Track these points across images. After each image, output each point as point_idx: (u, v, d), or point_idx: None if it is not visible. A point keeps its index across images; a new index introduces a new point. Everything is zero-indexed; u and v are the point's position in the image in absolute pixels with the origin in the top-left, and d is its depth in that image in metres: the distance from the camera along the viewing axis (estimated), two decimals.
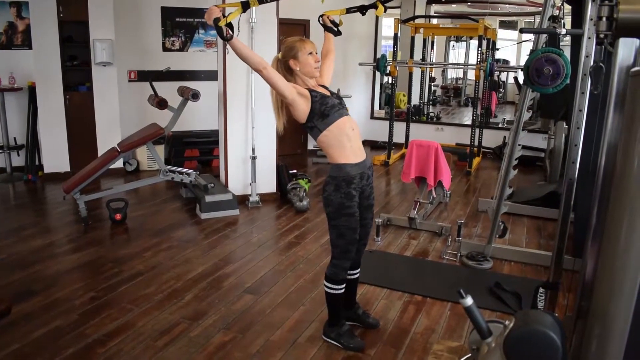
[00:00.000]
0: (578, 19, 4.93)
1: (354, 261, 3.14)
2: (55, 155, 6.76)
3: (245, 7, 2.79)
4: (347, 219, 2.91)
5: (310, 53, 2.88)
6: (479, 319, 1.87)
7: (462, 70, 14.30)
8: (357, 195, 2.93)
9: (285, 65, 2.92)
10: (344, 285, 3.07)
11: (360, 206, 2.98)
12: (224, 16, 2.58)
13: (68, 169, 6.76)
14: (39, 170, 6.83)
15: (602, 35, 1.78)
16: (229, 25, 2.59)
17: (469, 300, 1.85)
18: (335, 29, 3.28)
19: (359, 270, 3.29)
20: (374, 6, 3.30)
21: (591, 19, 2.77)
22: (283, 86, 2.74)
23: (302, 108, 2.81)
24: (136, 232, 5.04)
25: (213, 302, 3.65)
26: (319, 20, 3.29)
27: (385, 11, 3.35)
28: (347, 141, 2.87)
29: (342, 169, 2.87)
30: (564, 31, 3.47)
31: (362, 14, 3.41)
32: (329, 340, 3.14)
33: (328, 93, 2.97)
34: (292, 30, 7.74)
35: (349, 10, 3.32)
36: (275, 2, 3.37)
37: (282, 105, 2.94)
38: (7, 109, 6.65)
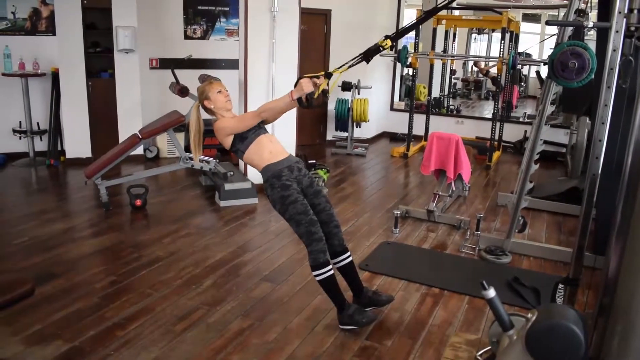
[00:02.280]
0: (605, 12, 4.85)
1: (335, 247, 3.24)
2: (77, 141, 6.84)
3: (328, 77, 3.04)
4: (293, 206, 3.08)
5: (219, 91, 3.31)
6: (501, 311, 1.86)
7: (483, 62, 14.13)
8: (293, 184, 3.14)
9: (204, 107, 3.37)
10: (329, 267, 3.13)
11: (306, 196, 3.19)
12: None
13: (90, 155, 6.84)
14: (61, 156, 6.92)
15: (632, 28, 1.75)
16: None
17: (491, 292, 1.85)
18: (307, 104, 3.06)
19: (348, 254, 3.33)
20: (378, 51, 3.27)
21: (619, 12, 2.73)
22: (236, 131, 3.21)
23: (230, 139, 3.23)
24: (156, 218, 5.08)
25: (231, 289, 3.68)
26: (299, 84, 2.98)
27: (391, 49, 3.35)
28: (266, 152, 3.19)
29: (267, 169, 3.17)
30: (591, 24, 3.42)
31: (367, 63, 3.35)
32: (346, 327, 3.16)
33: None
34: (313, 19, 7.73)
35: (350, 65, 3.19)
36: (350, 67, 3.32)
37: (201, 142, 3.44)
38: (30, 95, 6.72)
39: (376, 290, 3.48)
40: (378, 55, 3.35)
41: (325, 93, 3.13)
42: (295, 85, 3.00)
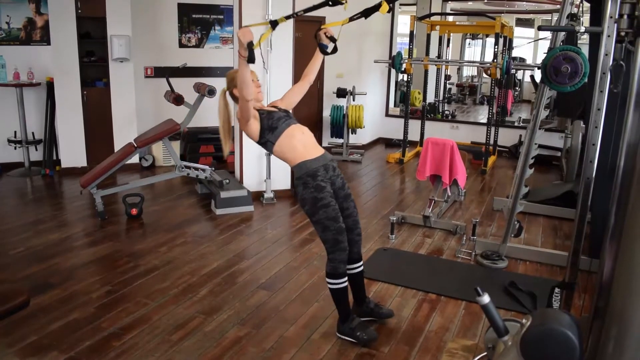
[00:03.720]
0: (597, 17, 4.88)
1: (353, 254, 3.18)
2: (72, 150, 6.84)
3: (274, 25, 2.87)
4: (324, 210, 2.96)
5: (252, 80, 3.02)
6: (495, 316, 1.86)
7: (477, 68, 14.21)
8: (327, 186, 3.00)
9: (231, 95, 3.17)
10: (345, 279, 3.09)
11: (337, 197, 3.07)
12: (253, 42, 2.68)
13: (85, 164, 6.83)
14: (57, 165, 6.91)
15: (622, 33, 1.77)
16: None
17: (486, 298, 1.85)
18: (332, 46, 3.18)
19: (361, 264, 3.30)
20: (377, 8, 3.20)
21: (611, 17, 2.75)
22: (251, 114, 2.98)
23: (255, 128, 3.04)
24: (152, 227, 5.08)
25: (228, 297, 3.68)
26: (315, 36, 3.22)
27: (389, 11, 3.28)
28: (299, 144, 3.03)
29: (302, 166, 3.00)
30: (583, 29, 3.43)
31: (365, 18, 3.31)
32: (343, 336, 3.15)
33: (275, 109, 3.15)
34: (308, 27, 7.73)
35: (352, 19, 3.20)
36: (298, 16, 3.33)
37: (230, 131, 3.21)
38: (25, 104, 6.72)
39: (378, 303, 3.46)
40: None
41: (334, 40, 3.18)
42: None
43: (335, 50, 3.23)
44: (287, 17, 2.91)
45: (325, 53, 3.24)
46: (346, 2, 3.14)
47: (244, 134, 5.74)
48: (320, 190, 2.96)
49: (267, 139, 3.05)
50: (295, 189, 3.07)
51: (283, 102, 3.29)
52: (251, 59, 2.70)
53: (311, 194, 2.96)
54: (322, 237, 3.04)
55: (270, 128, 3.02)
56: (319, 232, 3.04)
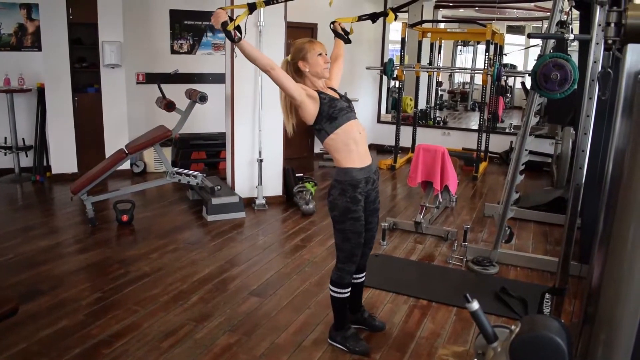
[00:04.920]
0: (586, 25, 4.92)
1: (359, 265, 3.14)
2: (63, 157, 6.80)
3: (252, 8, 2.77)
4: (352, 223, 2.90)
5: (320, 54, 2.86)
6: (485, 323, 1.86)
7: (469, 74, 14.29)
8: (362, 200, 2.92)
9: (295, 67, 2.90)
10: (349, 289, 3.08)
11: (365, 210, 2.97)
12: (230, 19, 2.56)
13: (76, 170, 6.79)
14: (47, 171, 6.87)
15: (610, 41, 1.78)
16: (237, 28, 2.57)
17: (475, 305, 1.85)
18: (346, 37, 3.28)
19: (364, 274, 3.29)
20: (384, 14, 3.31)
21: (599, 25, 2.77)
22: (292, 87, 2.73)
23: (311, 110, 2.80)
24: (143, 233, 5.05)
25: (218, 304, 3.66)
26: (330, 27, 3.29)
27: (395, 19, 3.34)
28: (353, 145, 2.86)
29: (348, 173, 2.86)
30: (572, 36, 3.47)
31: (372, 22, 3.40)
32: (335, 344, 3.14)
33: (337, 96, 2.96)
34: (300, 33, 7.76)
35: (360, 18, 3.30)
36: (283, 5, 3.36)
37: (291, 107, 2.92)
38: (16, 110, 6.68)
39: (372, 314, 3.44)
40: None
41: (346, 33, 3.25)
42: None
43: (349, 41, 3.30)
44: (267, 3, 2.85)
45: (345, 42, 3.29)
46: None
47: (235, 140, 5.76)
48: (356, 203, 2.88)
49: (322, 127, 2.84)
50: (330, 190, 2.95)
51: (334, 83, 3.11)
52: (230, 38, 2.56)
53: (345, 203, 2.87)
54: (340, 246, 2.99)
55: (329, 117, 2.82)
56: (338, 240, 2.98)
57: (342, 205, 2.88)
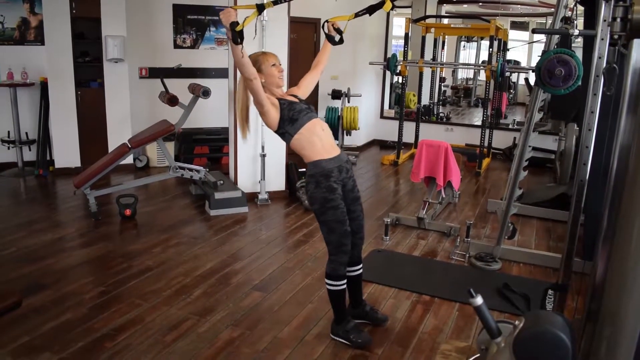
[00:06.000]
0: (591, 20, 4.90)
1: (353, 257, 3.18)
2: (66, 151, 6.81)
3: (260, 9, 2.82)
4: (333, 212, 2.96)
5: (274, 65, 3.02)
6: (488, 318, 1.86)
7: (472, 70, 14.25)
8: (339, 188, 2.99)
9: None
10: (344, 281, 3.09)
11: (346, 199, 3.05)
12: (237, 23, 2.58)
13: (79, 165, 6.81)
14: (50, 165, 6.88)
15: (615, 36, 1.77)
16: (240, 31, 2.60)
17: (478, 300, 1.85)
18: (338, 37, 3.26)
19: (360, 266, 3.30)
20: (380, 5, 3.25)
21: (604, 20, 2.76)
22: (263, 96, 2.87)
23: (274, 116, 2.95)
24: (145, 228, 5.06)
25: (221, 298, 3.67)
26: (322, 27, 3.28)
27: (392, 8, 3.31)
28: (318, 140, 2.98)
29: (317, 165, 2.96)
30: (576, 32, 3.45)
31: (369, 15, 3.36)
32: (337, 338, 3.14)
33: (296, 100, 3.08)
34: (303, 28, 7.76)
35: (357, 14, 3.25)
36: (287, 2, 3.34)
37: (247, 115, 3.12)
38: (19, 104, 6.69)
39: (374, 307, 3.45)
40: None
41: (340, 32, 3.22)
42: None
43: (342, 41, 3.28)
44: (275, 3, 2.89)
45: (333, 43, 3.28)
46: None
47: (238, 135, 5.75)
48: (332, 191, 2.95)
49: (285, 130, 2.98)
50: (306, 186, 3.05)
51: (300, 90, 3.23)
52: (235, 40, 2.59)
53: (322, 194, 2.95)
54: (327, 239, 3.04)
55: (290, 119, 2.95)
56: (324, 233, 3.04)
57: (320, 197, 2.96)
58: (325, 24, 3.24)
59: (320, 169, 2.96)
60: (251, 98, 2.96)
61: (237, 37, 2.58)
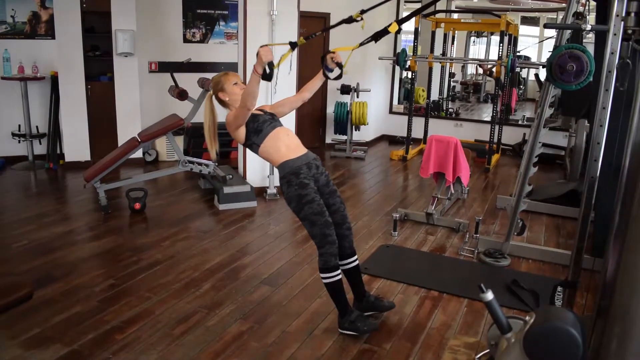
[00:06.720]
0: (603, 15, 4.86)
1: (345, 249, 3.22)
2: (76, 144, 6.84)
3: (293, 46, 2.99)
4: (309, 206, 3.01)
5: (235, 83, 3.16)
6: (499, 314, 1.86)
7: (482, 67, 14.17)
8: (311, 183, 3.06)
9: (217, 99, 3.22)
10: (338, 272, 3.12)
11: (322, 195, 3.12)
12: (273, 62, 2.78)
13: (89, 158, 6.84)
14: (60, 159, 6.92)
15: (629, 31, 1.76)
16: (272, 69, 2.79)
17: (489, 295, 1.85)
18: (338, 72, 3.22)
19: (355, 257, 3.31)
20: (385, 31, 3.20)
21: (617, 15, 2.74)
22: (244, 122, 3.08)
23: (242, 131, 3.11)
24: (155, 221, 5.08)
25: (230, 292, 3.68)
26: (322, 59, 3.23)
27: (399, 32, 3.30)
28: (283, 145, 3.09)
29: (285, 165, 3.06)
30: (589, 27, 3.41)
31: (375, 42, 3.28)
32: (346, 331, 3.15)
33: (260, 112, 3.20)
34: (312, 22, 7.73)
35: (362, 44, 3.22)
36: (318, 35, 3.34)
37: (215, 134, 3.28)
38: (29, 98, 6.72)
39: (378, 295, 3.47)
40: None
41: (340, 67, 3.20)
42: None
43: (340, 76, 3.27)
44: (306, 39, 3.00)
45: (327, 77, 3.30)
46: (363, 20, 3.19)
47: None
48: (304, 187, 3.02)
49: (252, 142, 3.12)
50: (281, 189, 3.13)
51: (271, 108, 3.34)
52: (267, 78, 2.81)
53: (295, 192, 3.02)
54: (311, 233, 3.09)
55: (255, 131, 3.09)
56: (307, 228, 3.10)
57: (294, 195, 3.03)
58: (327, 56, 3.22)
59: (288, 168, 3.05)
60: (218, 117, 3.23)
61: (271, 75, 2.78)
